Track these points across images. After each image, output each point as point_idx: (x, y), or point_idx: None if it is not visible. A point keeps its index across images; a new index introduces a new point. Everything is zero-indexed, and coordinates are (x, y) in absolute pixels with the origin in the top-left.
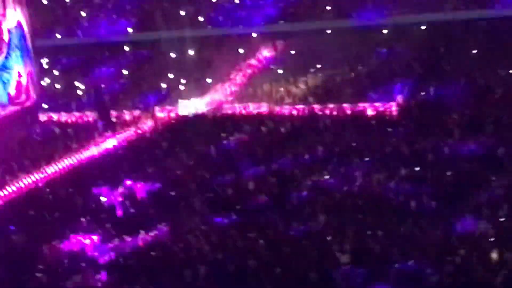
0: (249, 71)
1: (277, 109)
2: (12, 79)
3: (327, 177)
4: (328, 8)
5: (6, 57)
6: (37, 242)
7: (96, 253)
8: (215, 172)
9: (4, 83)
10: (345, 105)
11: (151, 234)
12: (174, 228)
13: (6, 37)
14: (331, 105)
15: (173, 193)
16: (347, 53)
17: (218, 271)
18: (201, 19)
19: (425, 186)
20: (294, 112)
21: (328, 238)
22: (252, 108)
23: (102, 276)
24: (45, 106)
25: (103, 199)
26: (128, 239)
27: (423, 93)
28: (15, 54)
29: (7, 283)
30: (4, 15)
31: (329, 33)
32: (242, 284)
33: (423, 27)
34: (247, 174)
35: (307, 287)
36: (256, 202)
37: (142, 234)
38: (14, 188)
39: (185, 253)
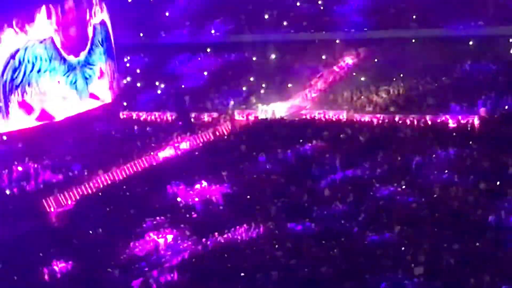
0: (330, 77)
1: (357, 117)
2: (94, 75)
3: (404, 187)
4: (414, 17)
5: (89, 53)
6: (112, 239)
7: (169, 253)
8: (291, 177)
9: (86, 79)
10: (426, 116)
11: (225, 236)
12: (247, 231)
13: (90, 33)
14: (412, 115)
15: (248, 197)
16: (431, 63)
17: (290, 277)
18: (285, 23)
19: (504, 200)
20: (374, 121)
21: (403, 248)
22: (332, 115)
23: (174, 276)
24: (125, 104)
25: (178, 199)
26: (202, 240)
27: (506, 107)
28: (99, 51)
29: (81, 277)
30: (89, 12)
31: (414, 43)
32: None
33: (511, 40)
34: (324, 181)
35: None
36: (332, 210)
37: (216, 236)
38: (92, 184)
39: (258, 257)
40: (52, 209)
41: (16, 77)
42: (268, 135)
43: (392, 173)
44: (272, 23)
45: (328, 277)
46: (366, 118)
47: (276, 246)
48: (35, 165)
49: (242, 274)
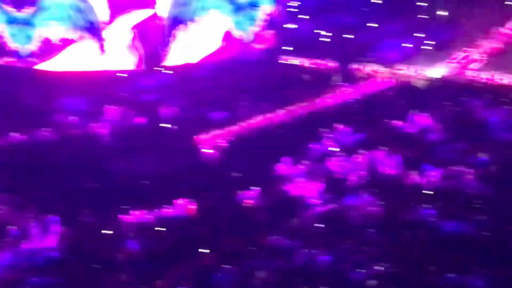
0: (499, 38)
1: None
2: (259, 16)
3: None
4: None
5: None
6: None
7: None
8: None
9: (251, 20)
10: None
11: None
12: None
13: None
14: None
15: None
16: None
17: None
18: None
19: None
20: None
21: None
22: (497, 78)
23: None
24: (285, 48)
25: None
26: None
27: None
28: None
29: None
30: None
31: None
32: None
33: None
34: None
35: None
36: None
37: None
38: (246, 126)
39: None
40: (204, 146)
41: (181, 13)
42: (427, 94)
43: None
44: None
45: None
46: None
47: None
48: (189, 102)
49: None
